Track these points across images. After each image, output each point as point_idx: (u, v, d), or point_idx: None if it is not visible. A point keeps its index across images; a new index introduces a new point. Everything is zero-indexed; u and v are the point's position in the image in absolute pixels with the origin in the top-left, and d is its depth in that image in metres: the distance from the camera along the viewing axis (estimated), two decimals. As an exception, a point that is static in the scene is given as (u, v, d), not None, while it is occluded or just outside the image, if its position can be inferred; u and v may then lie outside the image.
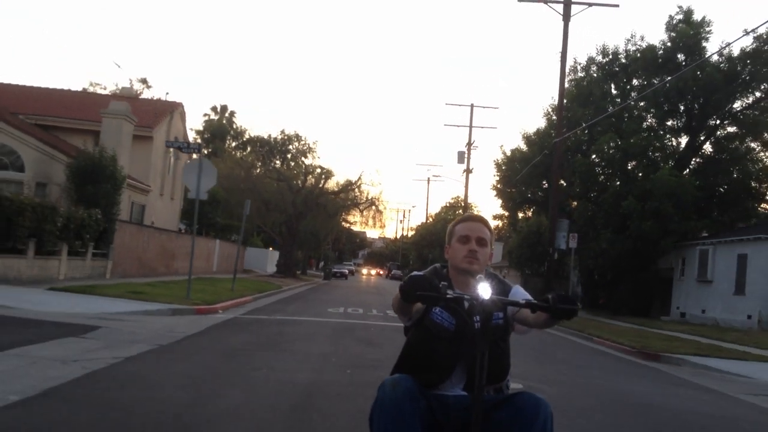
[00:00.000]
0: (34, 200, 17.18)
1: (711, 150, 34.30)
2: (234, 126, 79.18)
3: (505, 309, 2.80)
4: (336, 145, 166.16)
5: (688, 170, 33.35)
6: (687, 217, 28.34)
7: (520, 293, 2.94)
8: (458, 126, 49.48)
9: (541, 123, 40.72)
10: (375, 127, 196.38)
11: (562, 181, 32.58)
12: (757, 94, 32.58)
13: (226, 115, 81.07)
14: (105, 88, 62.59)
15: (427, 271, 2.91)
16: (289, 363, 8.58)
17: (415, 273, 2.58)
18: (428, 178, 75.59)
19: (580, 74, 37.43)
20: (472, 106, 47.26)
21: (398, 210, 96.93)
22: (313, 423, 5.43)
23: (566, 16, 25.26)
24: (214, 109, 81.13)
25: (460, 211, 67.62)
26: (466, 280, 2.89)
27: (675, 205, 28.10)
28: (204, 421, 5.18)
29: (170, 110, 31.68)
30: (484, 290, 2.49)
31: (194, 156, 20.20)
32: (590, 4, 25.49)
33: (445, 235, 3.09)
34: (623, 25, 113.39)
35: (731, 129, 33.61)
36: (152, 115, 29.50)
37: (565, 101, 36.21)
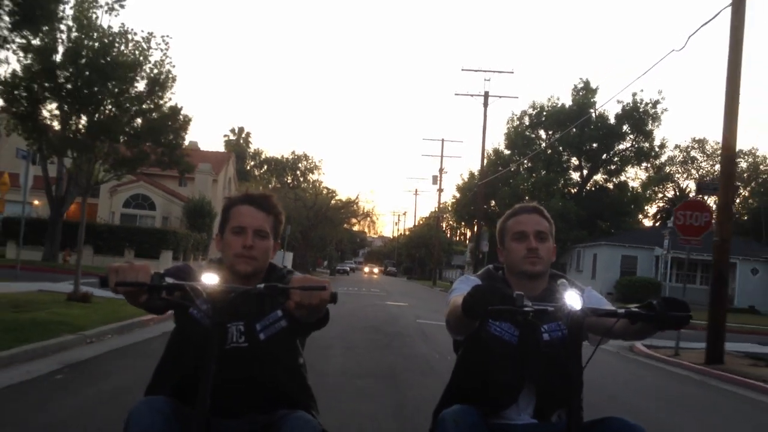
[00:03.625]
0: (181, 230, 31.80)
1: (601, 180, 49.14)
2: (250, 146, 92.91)
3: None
4: (337, 155, 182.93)
5: (584, 194, 48.02)
6: (571, 229, 42.92)
7: (595, 298, 2.51)
8: (432, 156, 64.28)
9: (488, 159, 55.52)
10: (372, 145, 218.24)
11: (494, 203, 47.45)
12: (630, 142, 47.39)
13: (243, 135, 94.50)
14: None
15: (480, 275, 2.59)
16: (327, 300, 23.40)
17: (478, 283, 2.17)
18: (416, 189, 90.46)
19: (516, 122, 52.07)
20: (442, 140, 61.52)
21: (394, 213, 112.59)
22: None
23: (485, 105, 39.75)
24: (232, 130, 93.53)
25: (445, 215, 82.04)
26: (529, 284, 2.47)
27: (564, 221, 42.66)
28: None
29: (227, 159, 46.44)
30: (574, 299, 2.10)
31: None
32: (500, 96, 40.09)
33: (497, 234, 2.63)
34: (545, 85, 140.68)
35: (614, 167, 48.36)
36: (217, 165, 44.14)
37: (502, 145, 51.25)
